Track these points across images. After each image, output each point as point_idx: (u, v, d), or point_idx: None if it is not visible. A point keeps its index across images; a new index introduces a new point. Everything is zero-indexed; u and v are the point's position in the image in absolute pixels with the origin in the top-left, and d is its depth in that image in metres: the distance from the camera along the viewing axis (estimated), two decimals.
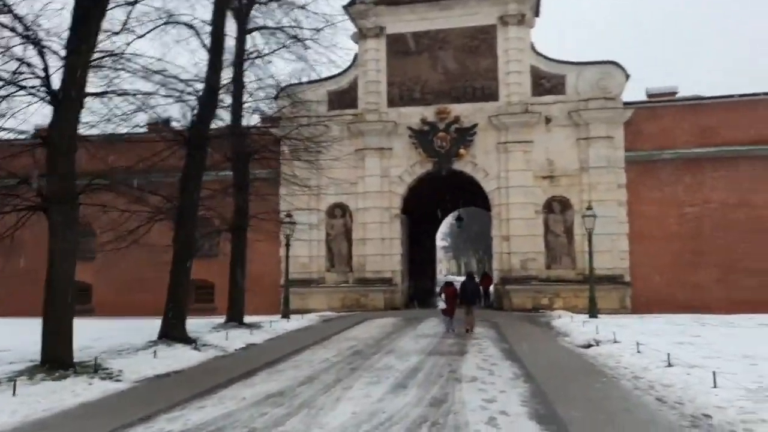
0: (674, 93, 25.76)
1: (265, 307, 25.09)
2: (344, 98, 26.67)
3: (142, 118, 15.00)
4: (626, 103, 24.61)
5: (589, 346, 14.70)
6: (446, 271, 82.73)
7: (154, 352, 13.00)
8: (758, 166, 23.52)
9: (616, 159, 24.32)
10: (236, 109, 19.03)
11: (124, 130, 14.54)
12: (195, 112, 15.27)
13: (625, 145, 24.40)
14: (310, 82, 25.63)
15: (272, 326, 18.97)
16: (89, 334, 16.32)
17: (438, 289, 22.68)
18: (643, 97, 25.92)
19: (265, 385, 9.89)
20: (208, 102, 15.30)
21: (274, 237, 24.11)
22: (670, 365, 10.77)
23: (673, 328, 16.83)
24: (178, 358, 13.05)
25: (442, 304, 18.35)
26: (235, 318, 18.85)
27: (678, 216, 24.19)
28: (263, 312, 24.07)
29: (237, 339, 16.14)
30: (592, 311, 20.43)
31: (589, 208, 21.04)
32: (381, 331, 17.59)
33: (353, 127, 25.97)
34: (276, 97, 24.16)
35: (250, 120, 20.32)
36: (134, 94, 11.77)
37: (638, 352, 12.53)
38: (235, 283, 19.20)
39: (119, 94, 11.71)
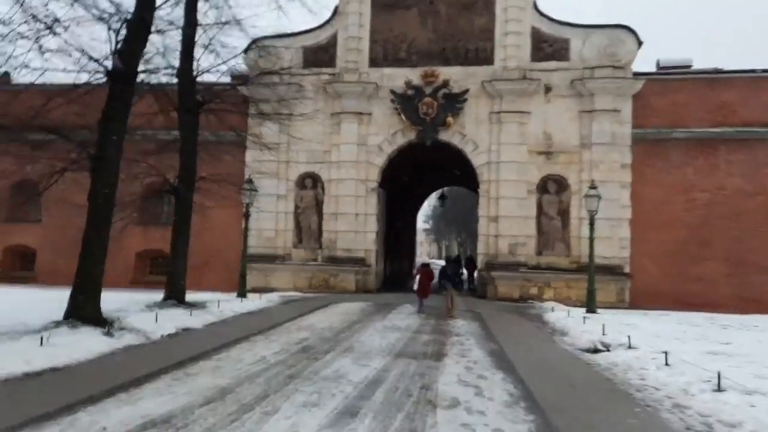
0: (688, 67, 22.61)
1: (222, 283, 21.85)
2: (321, 56, 23.18)
3: (53, 45, 11.60)
4: (636, 74, 21.43)
5: (595, 350, 11.69)
6: (426, 254, 79.79)
7: (42, 337, 9.71)
8: None
9: (622, 136, 21.18)
10: (186, 49, 15.55)
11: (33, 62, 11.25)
12: (120, 38, 11.83)
13: (632, 120, 21.27)
14: (283, 36, 22.31)
15: (220, 307, 15.70)
16: None
17: (414, 271, 20.20)
18: (652, 71, 22.77)
19: (155, 401, 6.67)
20: (137, 27, 11.85)
21: (237, 206, 20.86)
22: (719, 389, 7.74)
23: (692, 330, 13.88)
24: (74, 347, 9.76)
25: (416, 286, 16.74)
26: (174, 295, 15.51)
27: (686, 202, 21.17)
28: (220, 289, 20.87)
29: (169, 322, 12.85)
30: (591, 305, 17.44)
31: (593, 187, 17.90)
32: (344, 320, 14.42)
33: (329, 88, 22.56)
34: (246, 51, 21.05)
35: (207, 68, 16.68)
36: None
37: (666, 364, 9.51)
38: (176, 253, 15.81)
39: None
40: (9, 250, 24.60)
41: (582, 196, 20.90)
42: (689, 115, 21.24)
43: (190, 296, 17.06)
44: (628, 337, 11.59)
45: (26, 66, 11.36)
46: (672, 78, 21.63)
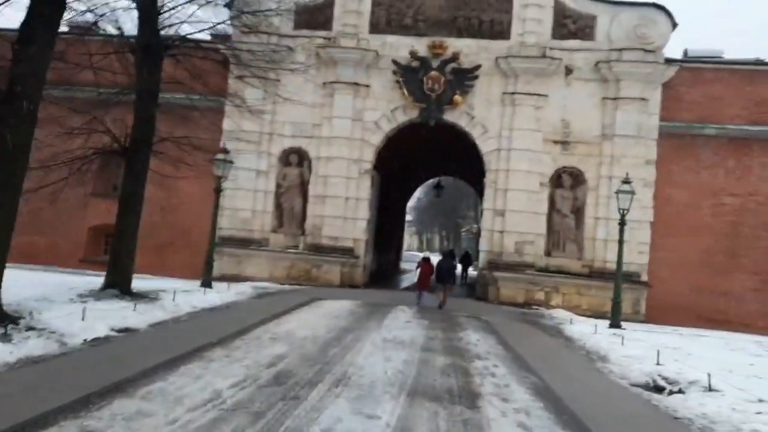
0: (719, 58, 19.51)
1: (188, 268, 18.11)
2: (316, 17, 19.56)
3: None
4: (668, 60, 18.35)
5: (658, 388, 8.55)
6: (407, 246, 76.42)
7: None
8: None
9: (649, 128, 18.07)
10: None
11: None
12: None
13: (660, 112, 18.21)
14: None
15: (176, 299, 12.10)
16: None
17: (415, 266, 17.39)
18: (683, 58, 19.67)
19: None
20: None
21: (209, 180, 17.12)
22: None
23: (759, 361, 10.80)
24: None
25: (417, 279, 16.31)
26: (117, 282, 11.84)
27: (713, 207, 18.16)
28: (185, 275, 17.27)
29: (101, 320, 9.27)
30: (615, 319, 14.33)
31: (627, 181, 14.69)
32: (331, 326, 10.98)
33: (323, 53, 18.98)
34: (229, 6, 17.46)
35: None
36: None
37: None
38: (121, 230, 12.11)
39: None
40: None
41: (599, 193, 18.04)
42: (723, 111, 18.27)
43: (144, 283, 13.53)
44: (708, 375, 8.35)
45: None
46: (708, 67, 18.57)
